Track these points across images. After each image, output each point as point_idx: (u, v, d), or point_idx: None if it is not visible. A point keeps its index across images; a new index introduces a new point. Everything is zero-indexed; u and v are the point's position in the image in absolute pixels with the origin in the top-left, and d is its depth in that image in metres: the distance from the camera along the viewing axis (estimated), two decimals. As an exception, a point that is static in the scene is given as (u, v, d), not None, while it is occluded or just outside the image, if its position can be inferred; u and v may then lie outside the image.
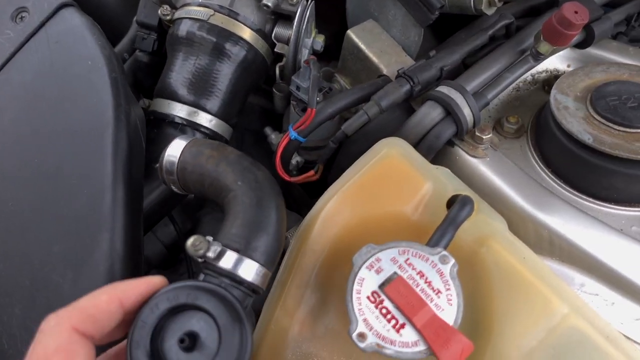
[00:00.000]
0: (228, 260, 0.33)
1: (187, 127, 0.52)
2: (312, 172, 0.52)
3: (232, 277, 0.33)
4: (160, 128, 0.53)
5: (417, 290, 0.37)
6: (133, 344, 0.29)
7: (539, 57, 0.50)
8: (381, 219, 0.44)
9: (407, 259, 0.38)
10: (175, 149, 0.39)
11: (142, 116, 0.50)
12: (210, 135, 0.53)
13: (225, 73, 0.53)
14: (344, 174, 0.46)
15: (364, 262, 0.38)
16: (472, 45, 0.51)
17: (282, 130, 0.64)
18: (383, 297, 0.37)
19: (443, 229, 0.40)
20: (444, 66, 0.49)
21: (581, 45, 0.55)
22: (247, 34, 0.54)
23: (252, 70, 0.56)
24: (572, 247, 0.43)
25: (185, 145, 0.39)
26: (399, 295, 0.36)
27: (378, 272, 0.38)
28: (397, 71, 0.49)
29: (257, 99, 0.71)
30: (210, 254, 0.32)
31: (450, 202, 0.43)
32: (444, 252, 0.38)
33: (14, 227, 0.43)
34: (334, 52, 0.61)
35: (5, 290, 0.41)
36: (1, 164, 0.45)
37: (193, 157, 0.39)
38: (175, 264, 0.60)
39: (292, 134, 0.50)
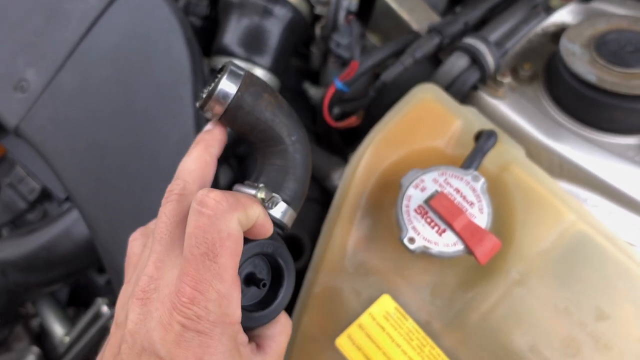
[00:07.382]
0: (280, 210, 0.38)
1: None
2: (354, 118, 0.60)
3: (280, 224, 0.39)
4: (220, 82, 0.61)
5: (455, 202, 0.46)
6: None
7: (549, 11, 0.58)
8: (420, 152, 0.52)
9: (446, 179, 0.47)
10: (233, 81, 0.36)
11: (208, 71, 0.58)
12: (265, 87, 0.61)
13: (274, 32, 0.61)
14: (387, 115, 0.54)
15: (410, 183, 0.47)
16: (493, 2, 0.58)
17: (320, 84, 0.72)
18: (427, 209, 0.46)
19: (473, 155, 0.48)
20: (468, 21, 0.57)
21: (586, -1, 0.63)
22: (291, -3, 0.61)
23: (297, 29, 0.63)
24: (577, 169, 0.51)
25: (243, 81, 0.37)
26: (441, 207, 0.45)
27: (422, 190, 0.47)
28: (428, 26, 0.57)
29: (292, 59, 0.78)
30: (270, 204, 0.38)
31: (478, 136, 0.52)
32: (475, 172, 0.46)
33: (118, 163, 0.51)
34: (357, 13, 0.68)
35: (118, 212, 0.50)
36: (98, 112, 0.53)
37: (254, 99, 0.37)
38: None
39: (338, 84, 0.58)
